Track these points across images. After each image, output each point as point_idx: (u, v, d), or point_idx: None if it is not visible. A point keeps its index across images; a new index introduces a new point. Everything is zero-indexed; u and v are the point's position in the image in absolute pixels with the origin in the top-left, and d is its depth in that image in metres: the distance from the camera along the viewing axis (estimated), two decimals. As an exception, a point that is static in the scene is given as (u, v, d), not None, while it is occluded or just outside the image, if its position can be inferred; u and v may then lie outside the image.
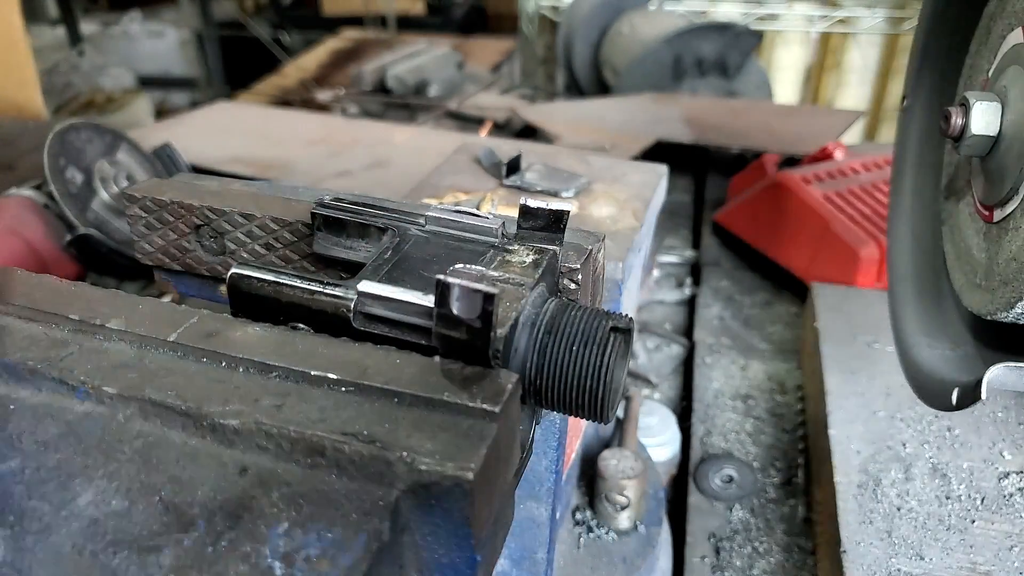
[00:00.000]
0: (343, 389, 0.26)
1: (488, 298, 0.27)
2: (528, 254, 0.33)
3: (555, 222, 0.34)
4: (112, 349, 0.28)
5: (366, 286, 0.30)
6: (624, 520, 0.58)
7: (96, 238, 0.77)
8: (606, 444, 0.63)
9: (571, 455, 0.53)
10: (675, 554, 0.64)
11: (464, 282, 0.27)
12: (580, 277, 0.35)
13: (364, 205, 0.37)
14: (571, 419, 0.39)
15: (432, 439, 0.24)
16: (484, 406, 0.25)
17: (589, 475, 0.60)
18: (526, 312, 0.30)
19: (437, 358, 0.28)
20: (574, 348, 0.30)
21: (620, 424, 0.67)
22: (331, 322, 0.30)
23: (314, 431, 0.24)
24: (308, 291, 0.31)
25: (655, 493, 0.61)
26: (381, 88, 1.77)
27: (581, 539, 0.58)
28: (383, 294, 0.29)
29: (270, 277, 0.31)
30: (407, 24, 3.16)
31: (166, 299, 0.32)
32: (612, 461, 0.57)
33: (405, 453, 0.23)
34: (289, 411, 0.25)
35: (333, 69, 2.13)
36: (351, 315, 0.30)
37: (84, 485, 0.24)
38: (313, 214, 0.37)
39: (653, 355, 0.92)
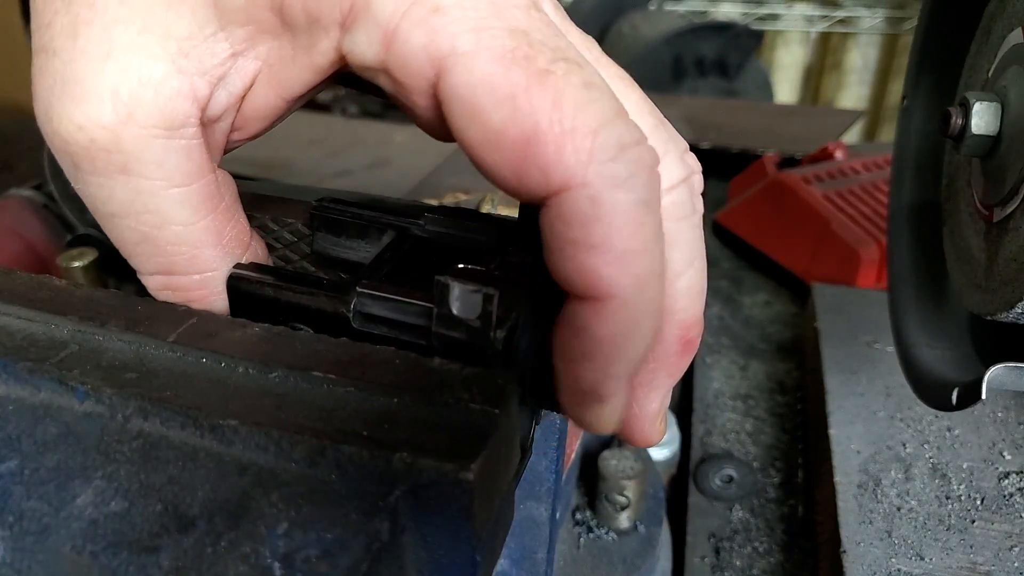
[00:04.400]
0: (343, 389, 0.26)
1: (488, 298, 0.27)
2: (528, 255, 0.33)
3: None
4: (112, 349, 0.28)
5: (365, 286, 0.30)
6: (624, 520, 0.58)
7: (96, 238, 0.77)
8: (606, 444, 0.63)
9: (571, 455, 0.53)
10: (675, 554, 0.64)
11: (463, 282, 0.27)
12: None
13: (364, 205, 0.37)
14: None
15: (432, 439, 0.24)
16: (484, 406, 0.25)
17: (589, 475, 0.60)
18: (526, 313, 0.30)
19: (437, 358, 0.28)
20: None
21: (620, 424, 0.67)
22: (330, 322, 0.30)
23: (314, 431, 0.24)
24: (307, 291, 0.31)
25: (655, 493, 0.61)
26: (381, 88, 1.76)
27: (581, 539, 0.58)
28: (382, 294, 0.29)
29: (269, 278, 0.31)
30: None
31: (166, 299, 0.32)
32: (612, 461, 0.57)
33: (405, 453, 0.23)
34: (289, 411, 0.25)
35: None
36: (350, 315, 0.30)
37: (83, 486, 0.24)
38: (312, 214, 0.37)
39: (653, 355, 0.92)
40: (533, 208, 0.27)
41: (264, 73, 0.29)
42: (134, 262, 0.31)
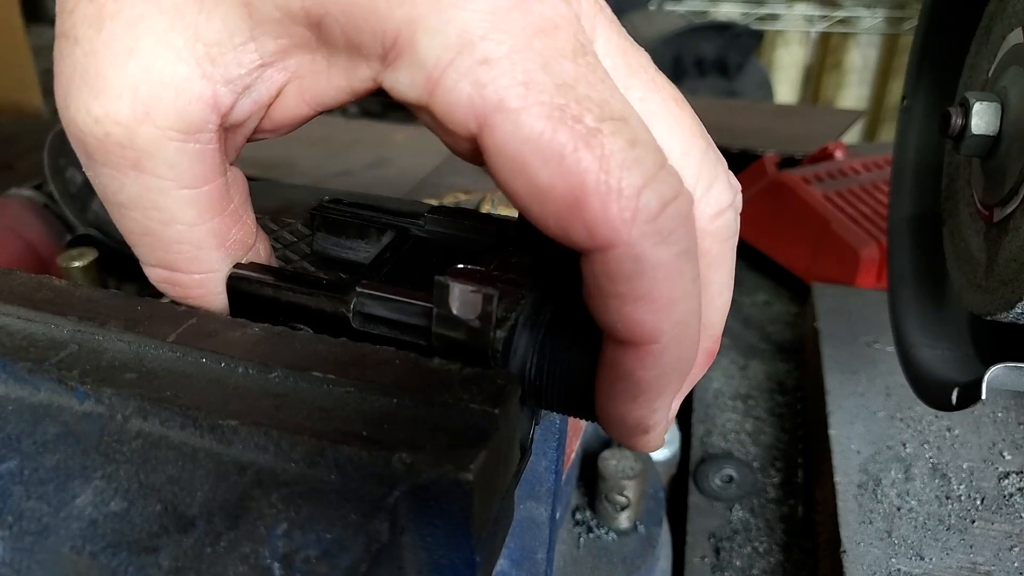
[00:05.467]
0: (343, 389, 0.26)
1: (488, 299, 0.27)
2: (528, 255, 0.33)
3: None
4: (111, 349, 0.28)
5: (365, 286, 0.30)
6: (624, 520, 0.58)
7: (96, 238, 0.77)
8: (606, 444, 0.63)
9: (571, 455, 0.53)
10: (675, 554, 0.64)
11: (463, 283, 0.27)
12: None
13: (363, 205, 0.37)
14: (571, 419, 0.39)
15: (432, 440, 0.24)
16: (484, 407, 0.25)
17: (589, 475, 0.60)
18: (526, 313, 0.30)
19: (437, 359, 0.28)
20: (574, 349, 0.30)
21: (620, 424, 0.67)
22: (330, 322, 0.30)
23: (313, 431, 0.24)
24: (307, 291, 0.31)
25: (655, 493, 0.61)
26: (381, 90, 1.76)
27: (581, 539, 0.58)
28: (382, 294, 0.29)
29: (269, 278, 0.31)
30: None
31: (166, 299, 0.32)
32: (612, 461, 0.57)
33: (404, 454, 0.23)
34: (288, 411, 0.25)
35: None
36: (350, 315, 0.30)
37: (83, 486, 0.24)
38: (312, 214, 0.37)
39: (653, 355, 0.92)
40: None
41: (294, 84, 0.29)
42: (137, 252, 0.31)
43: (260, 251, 0.33)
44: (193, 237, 0.30)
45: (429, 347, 0.29)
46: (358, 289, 0.30)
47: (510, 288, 0.29)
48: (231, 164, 0.31)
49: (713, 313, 0.32)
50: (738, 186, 0.32)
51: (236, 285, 0.31)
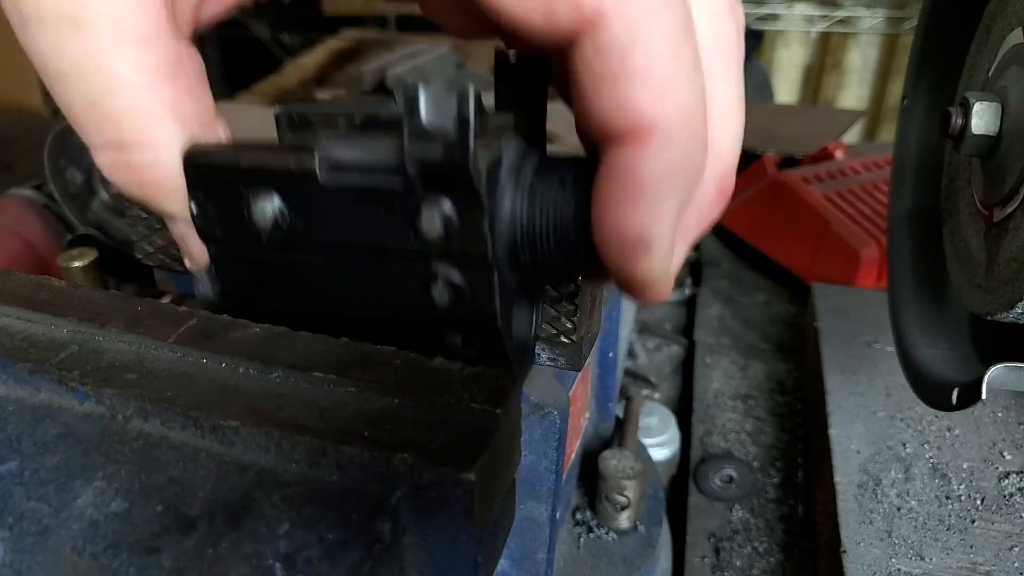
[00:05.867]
0: (344, 390, 0.26)
1: (462, 98, 0.24)
2: (508, 116, 0.29)
3: (536, 75, 0.29)
4: (112, 350, 0.28)
5: (331, 132, 0.28)
6: (624, 520, 0.58)
7: (96, 238, 0.77)
8: (606, 444, 0.63)
9: (571, 455, 0.53)
10: (675, 554, 0.64)
11: (433, 87, 0.24)
12: (579, 300, 0.33)
13: (329, 104, 0.35)
14: (571, 419, 0.39)
15: (433, 440, 0.24)
16: (485, 406, 0.25)
17: (589, 475, 0.60)
18: (511, 158, 0.27)
19: (438, 358, 0.28)
20: (567, 183, 0.27)
21: (620, 424, 0.67)
22: (298, 183, 0.28)
23: (315, 432, 0.24)
24: (270, 151, 0.28)
25: (655, 493, 0.61)
26: (381, 88, 1.77)
27: (581, 539, 0.58)
28: (348, 137, 0.27)
29: (227, 147, 0.29)
30: (407, 24, 3.16)
31: (166, 299, 0.32)
32: (612, 461, 0.57)
33: (406, 454, 0.23)
34: (289, 412, 0.25)
35: (333, 69, 2.12)
36: (318, 169, 0.27)
37: (84, 486, 0.24)
38: (276, 118, 0.34)
39: (653, 355, 0.92)
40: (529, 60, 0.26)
41: None
42: (84, 131, 0.28)
43: (220, 134, 0.30)
44: (141, 103, 0.27)
45: (407, 186, 0.26)
46: (322, 136, 0.27)
47: (489, 130, 0.26)
48: (186, 41, 0.29)
49: (721, 138, 0.29)
50: (741, 8, 0.29)
51: (193, 160, 0.28)
